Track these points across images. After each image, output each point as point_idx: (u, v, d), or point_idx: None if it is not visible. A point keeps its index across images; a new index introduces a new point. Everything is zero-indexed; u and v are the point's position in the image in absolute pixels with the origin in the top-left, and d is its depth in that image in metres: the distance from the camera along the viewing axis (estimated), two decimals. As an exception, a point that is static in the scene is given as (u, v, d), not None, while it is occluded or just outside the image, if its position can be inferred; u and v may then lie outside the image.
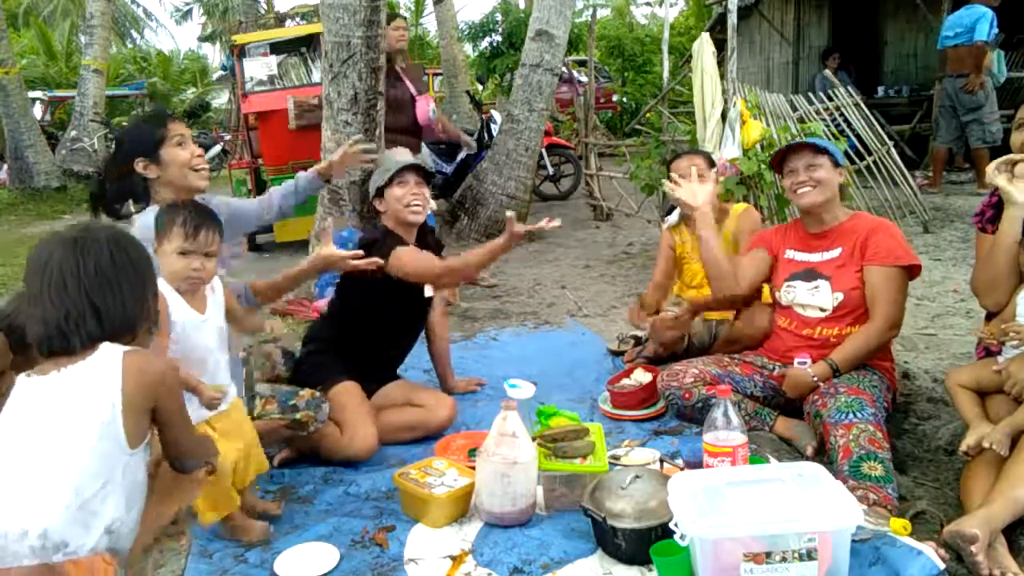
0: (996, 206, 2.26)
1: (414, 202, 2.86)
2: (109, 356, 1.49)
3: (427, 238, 3.04)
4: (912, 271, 2.47)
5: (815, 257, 2.60)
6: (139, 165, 2.39)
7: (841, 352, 2.44)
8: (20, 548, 1.36)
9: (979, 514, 1.81)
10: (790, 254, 2.68)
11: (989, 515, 1.80)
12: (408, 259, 2.75)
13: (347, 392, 2.69)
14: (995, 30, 6.56)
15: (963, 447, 2.09)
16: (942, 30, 6.93)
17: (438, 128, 5.61)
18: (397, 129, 5.11)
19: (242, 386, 2.38)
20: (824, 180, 2.53)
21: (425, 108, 5.25)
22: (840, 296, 2.49)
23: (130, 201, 2.48)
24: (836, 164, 2.57)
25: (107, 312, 1.52)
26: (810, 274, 2.58)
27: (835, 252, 2.55)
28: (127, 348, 1.51)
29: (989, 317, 2.35)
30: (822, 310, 2.53)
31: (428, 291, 2.94)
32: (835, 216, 2.60)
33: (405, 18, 5.53)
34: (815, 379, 2.42)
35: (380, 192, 2.92)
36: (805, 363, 2.45)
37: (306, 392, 2.56)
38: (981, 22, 6.45)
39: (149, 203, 2.42)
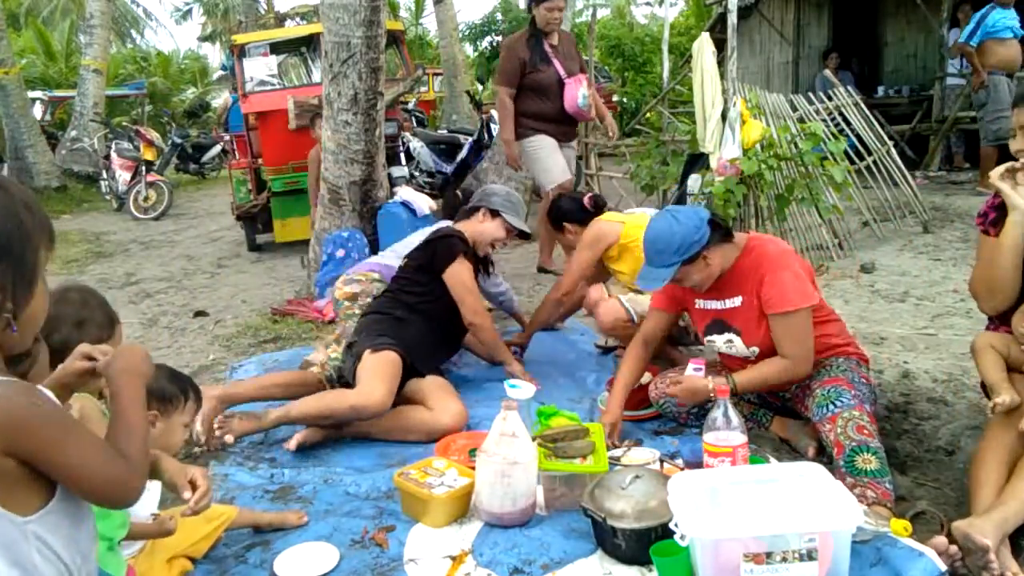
0: (999, 208, 2.24)
1: (497, 247, 3.34)
2: None
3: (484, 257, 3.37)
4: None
5: (718, 304, 2.49)
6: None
7: (744, 374, 2.40)
8: None
9: (994, 516, 1.78)
10: (699, 303, 2.56)
11: (1003, 518, 1.78)
12: (464, 281, 3.03)
13: (384, 360, 2.75)
14: (1021, 31, 6.50)
15: (996, 400, 2.00)
16: None
17: (592, 115, 4.97)
18: (542, 117, 4.69)
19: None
20: (700, 280, 2.41)
21: (574, 94, 4.66)
22: (756, 350, 2.43)
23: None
24: (697, 255, 2.33)
25: None
26: (719, 325, 2.49)
27: (736, 301, 2.44)
28: None
29: (991, 321, 2.33)
30: (746, 359, 2.49)
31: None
32: (728, 263, 2.44)
33: None
34: (711, 388, 2.31)
35: (485, 210, 3.22)
36: (700, 369, 2.42)
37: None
38: (971, 23, 6.47)
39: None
